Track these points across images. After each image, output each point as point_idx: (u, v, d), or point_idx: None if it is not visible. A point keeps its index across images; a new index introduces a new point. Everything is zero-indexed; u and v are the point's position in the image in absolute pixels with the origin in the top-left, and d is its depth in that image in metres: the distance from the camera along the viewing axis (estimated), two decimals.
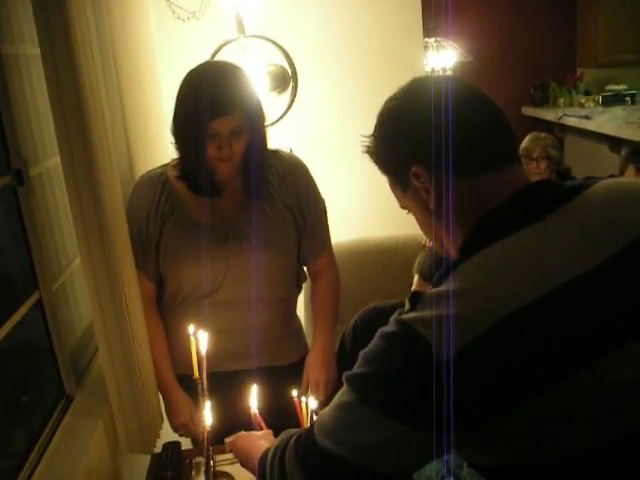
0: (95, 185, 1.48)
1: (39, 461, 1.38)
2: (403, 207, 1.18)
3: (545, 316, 0.91)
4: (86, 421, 1.59)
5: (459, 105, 1.07)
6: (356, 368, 1.03)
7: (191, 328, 1.68)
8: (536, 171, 3.78)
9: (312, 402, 1.57)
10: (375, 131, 1.17)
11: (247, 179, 1.84)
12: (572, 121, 5.29)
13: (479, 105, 1.11)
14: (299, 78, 2.82)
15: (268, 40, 2.73)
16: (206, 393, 1.64)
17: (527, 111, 6.08)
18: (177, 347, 1.91)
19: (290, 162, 1.95)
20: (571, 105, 5.80)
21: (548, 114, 5.81)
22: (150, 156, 2.14)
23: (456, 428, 0.92)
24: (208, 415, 1.49)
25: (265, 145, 1.85)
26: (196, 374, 1.67)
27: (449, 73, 3.47)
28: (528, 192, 1.05)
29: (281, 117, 2.82)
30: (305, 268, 2.07)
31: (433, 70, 3.30)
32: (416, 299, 1.01)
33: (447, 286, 0.98)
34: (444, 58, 3.38)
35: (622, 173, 3.21)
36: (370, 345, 1.03)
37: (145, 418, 1.72)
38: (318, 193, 1.98)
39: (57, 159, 1.66)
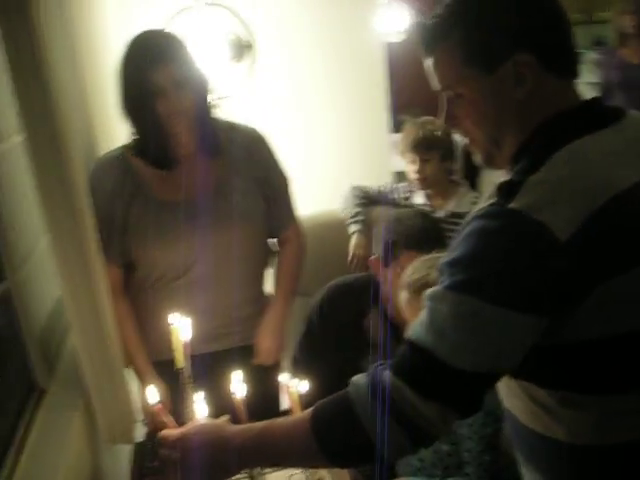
0: (62, 164, 1.38)
1: (16, 464, 1.30)
2: (452, 95, 1.12)
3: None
4: (62, 415, 1.51)
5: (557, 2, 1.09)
6: (467, 272, 0.99)
7: (171, 316, 1.62)
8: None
9: (303, 385, 1.52)
10: (461, 4, 1.10)
11: (202, 140, 1.80)
12: None
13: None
14: (258, 47, 2.73)
15: (226, 8, 2.63)
16: (191, 384, 1.58)
17: None
18: (153, 332, 1.85)
19: (251, 133, 1.92)
20: None
21: None
22: (111, 134, 2.05)
23: (561, 306, 0.99)
24: (202, 407, 1.40)
25: (208, 104, 1.84)
26: (179, 364, 1.60)
27: (404, 35, 3.45)
28: (594, 102, 1.12)
29: (239, 88, 2.74)
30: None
31: (389, 34, 3.27)
32: (511, 188, 1.01)
33: (544, 175, 1.00)
34: (399, 20, 3.37)
35: None
36: (470, 246, 1.00)
37: (125, 405, 1.65)
38: (281, 167, 1.96)
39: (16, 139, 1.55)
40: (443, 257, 1.08)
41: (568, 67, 1.11)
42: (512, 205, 0.98)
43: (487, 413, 1.70)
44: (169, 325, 1.73)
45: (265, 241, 1.99)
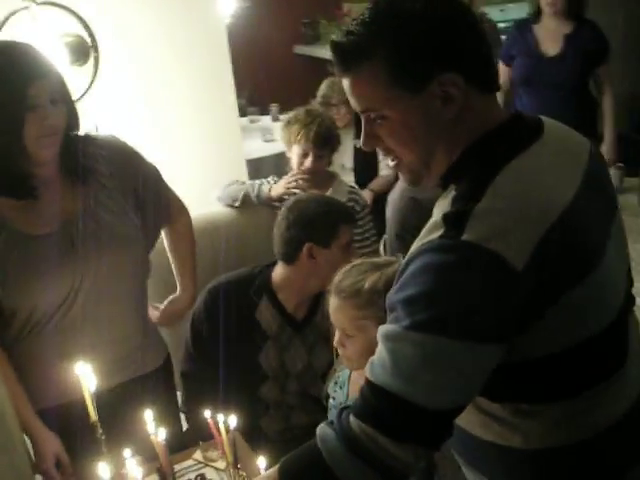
0: None
1: None
2: (374, 117, 1.10)
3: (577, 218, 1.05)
4: None
5: (472, 17, 1.10)
6: (428, 311, 0.98)
7: (77, 366, 1.49)
8: (337, 116, 3.82)
9: (232, 421, 1.48)
10: (383, 23, 1.06)
11: (67, 162, 1.67)
12: None
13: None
14: (101, 49, 2.53)
15: (62, 7, 2.40)
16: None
17: (299, 49, 6.12)
18: (37, 379, 1.71)
19: (113, 144, 1.80)
20: None
21: (321, 51, 5.89)
22: None
23: (519, 330, 1.02)
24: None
25: (78, 120, 1.71)
26: (93, 417, 1.49)
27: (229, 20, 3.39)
28: (517, 118, 1.14)
29: (85, 92, 2.53)
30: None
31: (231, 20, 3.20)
32: (459, 219, 1.00)
33: (490, 202, 1.00)
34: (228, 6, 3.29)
35: None
36: (427, 283, 0.98)
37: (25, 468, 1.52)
38: (147, 163, 1.88)
39: None
40: (392, 291, 1.07)
41: (491, 81, 1.12)
42: (465, 237, 0.98)
43: None
44: (56, 369, 1.62)
45: (146, 258, 1.89)
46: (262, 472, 1.37)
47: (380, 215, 2.83)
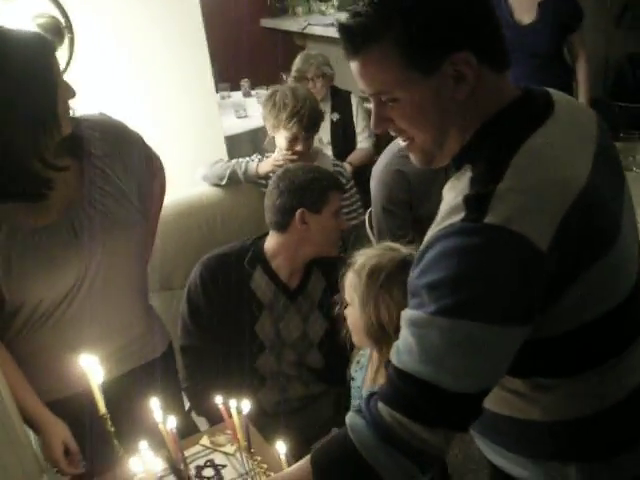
0: None
1: None
2: (385, 99, 1.08)
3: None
4: None
5: None
6: (454, 295, 0.97)
7: (82, 359, 1.47)
8: (313, 90, 3.79)
9: (245, 406, 1.47)
10: (392, 3, 1.03)
11: (73, 145, 1.63)
12: (318, 30, 5.35)
13: None
14: (75, 29, 2.46)
15: None
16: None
17: (266, 23, 6.03)
18: (42, 372, 1.67)
19: (107, 124, 1.74)
20: (310, 12, 5.85)
21: (289, 24, 5.82)
22: None
23: (548, 307, 1.03)
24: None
25: None
26: (102, 410, 1.47)
27: None
28: (528, 94, 1.13)
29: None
30: None
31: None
32: (481, 201, 0.99)
33: (511, 183, 1.00)
34: None
35: None
36: (452, 267, 0.97)
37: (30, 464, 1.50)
38: (133, 133, 1.82)
39: None
40: (413, 276, 1.05)
41: (502, 59, 1.10)
42: (488, 220, 0.97)
43: None
44: (62, 361, 1.59)
45: (147, 240, 1.87)
46: (282, 457, 1.37)
47: (359, 187, 2.83)
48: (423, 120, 1.08)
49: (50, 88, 1.48)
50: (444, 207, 1.09)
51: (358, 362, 1.85)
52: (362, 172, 3.71)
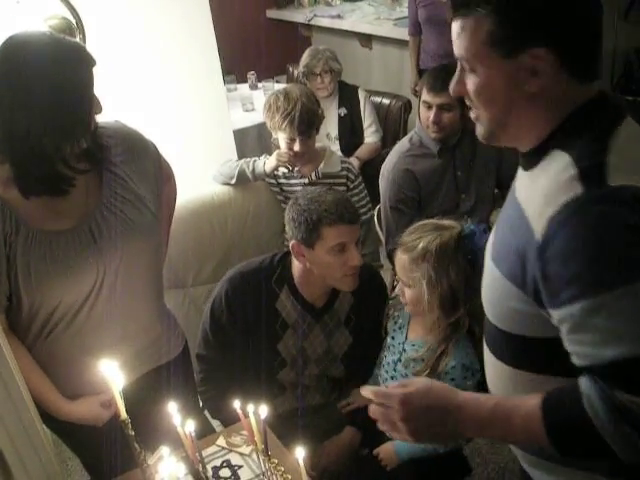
0: None
1: None
2: (466, 66, 1.13)
3: None
4: None
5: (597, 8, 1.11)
6: (614, 266, 0.98)
7: (102, 364, 1.49)
8: (321, 85, 3.82)
9: (263, 411, 1.49)
10: None
11: (93, 151, 1.64)
12: (324, 22, 5.36)
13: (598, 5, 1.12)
14: (87, 30, 2.47)
15: None
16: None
17: (272, 14, 6.02)
18: (61, 378, 1.71)
19: (123, 132, 1.76)
20: (316, 3, 5.84)
21: (295, 15, 5.81)
22: None
23: None
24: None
25: None
26: (123, 415, 1.49)
27: None
28: (605, 96, 1.15)
29: None
30: None
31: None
32: (598, 171, 1.03)
33: (618, 151, 1.05)
34: None
35: None
36: (601, 241, 0.98)
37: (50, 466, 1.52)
38: (147, 141, 1.83)
39: None
40: (553, 270, 1.05)
41: (588, 70, 1.13)
42: (613, 182, 1.01)
43: (466, 368, 1.86)
44: (81, 366, 1.62)
45: (162, 244, 1.89)
46: (300, 462, 1.39)
47: (367, 181, 2.85)
48: (489, 98, 1.14)
49: (86, 103, 1.52)
50: (538, 192, 1.11)
51: (395, 322, 2.07)
52: (370, 166, 3.74)
